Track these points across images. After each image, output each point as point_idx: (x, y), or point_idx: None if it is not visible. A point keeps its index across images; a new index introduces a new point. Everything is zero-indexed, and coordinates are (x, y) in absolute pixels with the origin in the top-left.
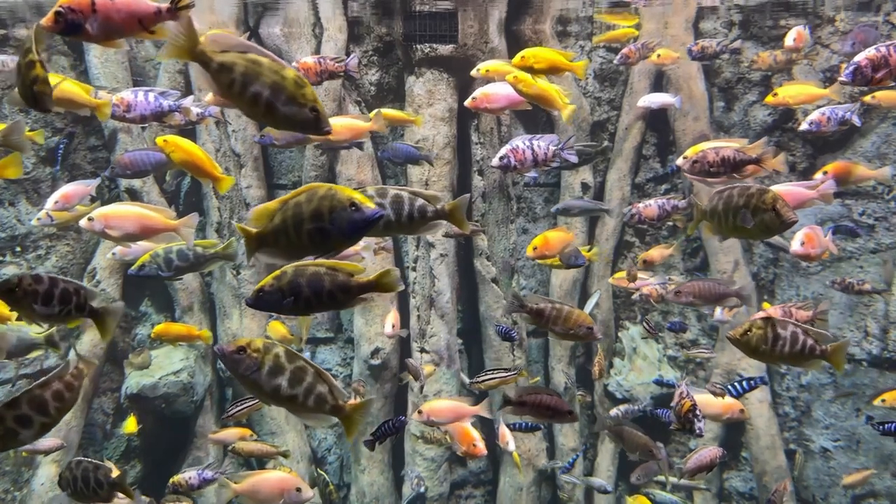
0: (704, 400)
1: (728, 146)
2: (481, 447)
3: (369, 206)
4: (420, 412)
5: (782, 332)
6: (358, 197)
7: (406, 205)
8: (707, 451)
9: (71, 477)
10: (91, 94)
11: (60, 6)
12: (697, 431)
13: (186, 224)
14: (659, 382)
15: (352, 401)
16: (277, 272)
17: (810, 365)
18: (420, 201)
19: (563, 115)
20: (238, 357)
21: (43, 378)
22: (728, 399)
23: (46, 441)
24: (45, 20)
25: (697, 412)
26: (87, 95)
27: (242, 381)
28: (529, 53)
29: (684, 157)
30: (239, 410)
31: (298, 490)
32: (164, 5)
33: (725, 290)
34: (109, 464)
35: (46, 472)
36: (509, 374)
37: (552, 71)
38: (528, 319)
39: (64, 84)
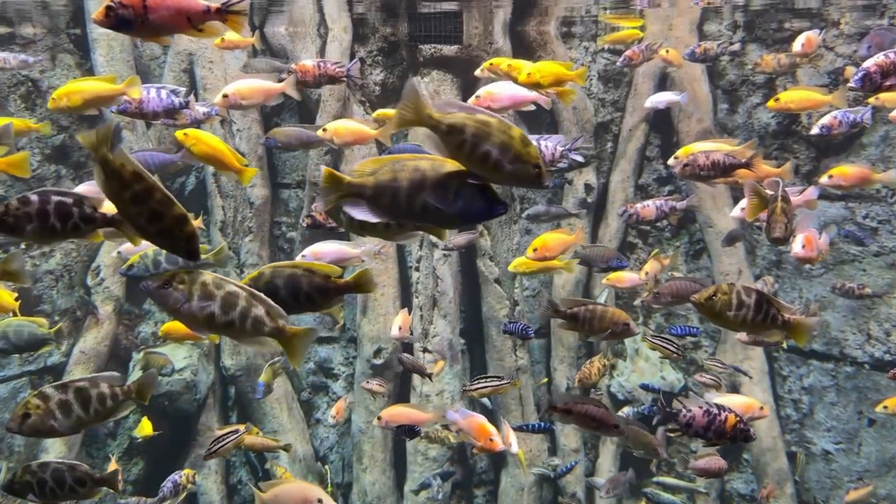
0: (724, 402)
1: (718, 149)
2: (498, 441)
3: (498, 198)
4: (380, 418)
5: (746, 300)
6: (490, 186)
7: None
8: (716, 459)
9: (35, 481)
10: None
11: (112, 1)
12: (754, 438)
13: None
14: (645, 387)
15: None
16: (255, 273)
17: (771, 335)
18: None
19: (562, 99)
20: (164, 291)
21: (92, 375)
22: (746, 398)
23: None
24: (96, 14)
25: (744, 419)
26: (114, 86)
27: (175, 314)
28: (535, 69)
29: (675, 158)
30: (221, 447)
31: (319, 501)
32: (214, 4)
33: (700, 288)
34: (113, 460)
35: None
36: (503, 382)
37: (557, 83)
38: (563, 325)
39: (90, 85)
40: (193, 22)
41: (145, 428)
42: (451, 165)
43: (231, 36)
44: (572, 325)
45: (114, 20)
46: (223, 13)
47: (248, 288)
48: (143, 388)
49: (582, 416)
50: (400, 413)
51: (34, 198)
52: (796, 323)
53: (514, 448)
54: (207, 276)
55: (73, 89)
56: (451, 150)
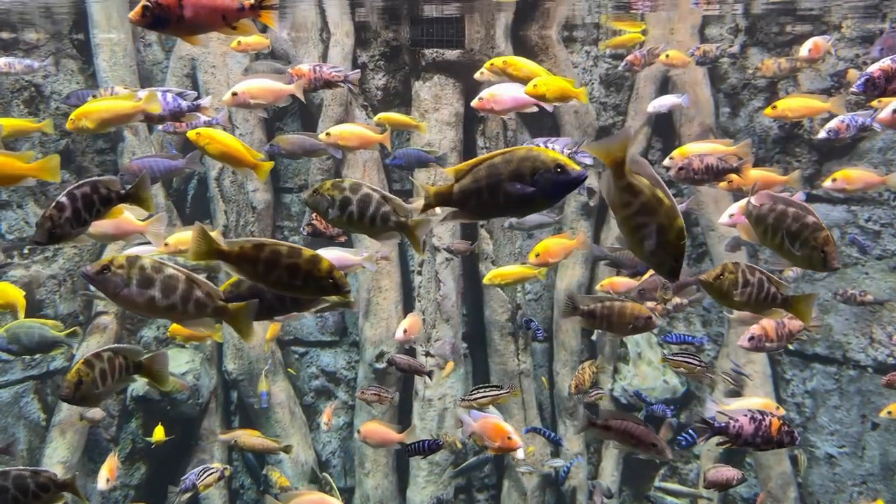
0: (740, 404)
1: (713, 151)
2: (516, 439)
3: (574, 167)
4: (359, 432)
5: (751, 279)
6: (562, 158)
7: (372, 206)
8: (729, 470)
9: None
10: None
11: (148, 0)
12: (798, 439)
13: (153, 225)
14: (637, 395)
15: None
16: (234, 278)
17: (773, 314)
18: (386, 207)
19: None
20: (103, 277)
21: (114, 346)
22: (761, 399)
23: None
24: (133, 14)
25: (788, 422)
26: (133, 103)
27: (115, 300)
28: (542, 83)
29: (671, 159)
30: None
31: None
32: (248, 1)
33: (686, 279)
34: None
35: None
36: (501, 392)
37: (562, 98)
38: (582, 323)
39: (108, 105)
40: (228, 19)
41: (157, 433)
42: (522, 151)
43: (247, 39)
44: (592, 322)
45: (150, 19)
46: (256, 9)
47: (187, 271)
48: (154, 366)
49: (621, 432)
50: (376, 430)
51: (65, 200)
52: (796, 300)
53: (521, 454)
54: (146, 260)
55: (91, 109)
56: (616, 202)
